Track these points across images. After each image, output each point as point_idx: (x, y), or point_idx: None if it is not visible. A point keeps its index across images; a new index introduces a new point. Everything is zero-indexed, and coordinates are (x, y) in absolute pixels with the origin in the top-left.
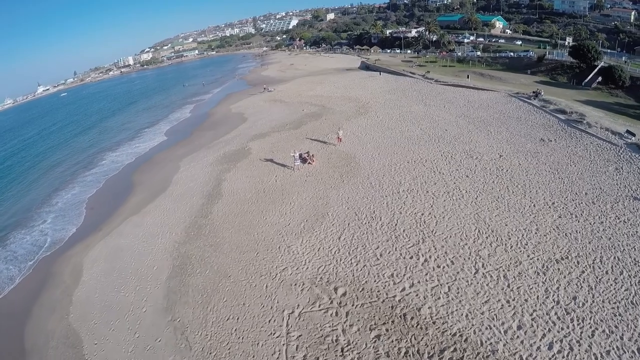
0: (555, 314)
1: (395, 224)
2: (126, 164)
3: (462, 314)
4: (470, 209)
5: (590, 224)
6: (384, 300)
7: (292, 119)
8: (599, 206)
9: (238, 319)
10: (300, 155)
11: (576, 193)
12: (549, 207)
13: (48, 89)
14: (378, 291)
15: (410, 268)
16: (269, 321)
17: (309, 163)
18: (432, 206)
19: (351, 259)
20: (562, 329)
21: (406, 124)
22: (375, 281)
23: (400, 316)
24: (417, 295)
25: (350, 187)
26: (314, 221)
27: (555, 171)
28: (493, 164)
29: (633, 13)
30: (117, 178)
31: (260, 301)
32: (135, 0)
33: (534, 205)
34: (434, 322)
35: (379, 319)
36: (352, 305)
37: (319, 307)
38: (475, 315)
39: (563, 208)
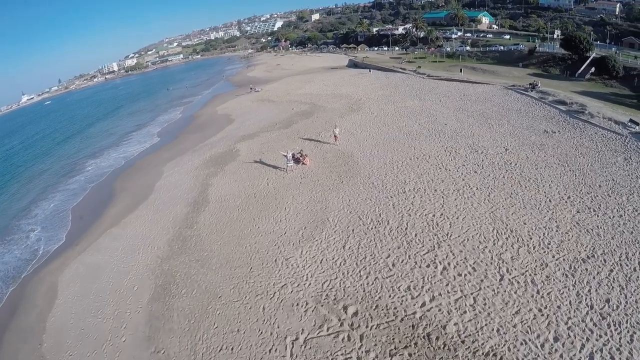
0: (591, 320)
1: (406, 228)
2: (110, 171)
3: (492, 329)
4: (484, 207)
5: (610, 218)
6: (402, 319)
7: (281, 118)
8: (615, 198)
9: (232, 349)
10: (293, 156)
11: (590, 186)
12: (565, 201)
13: (32, 98)
14: (395, 308)
15: (428, 278)
16: (270, 351)
17: (303, 163)
18: (442, 206)
19: (360, 271)
20: (601, 336)
21: (403, 119)
22: (390, 296)
23: (423, 337)
24: (440, 310)
25: (351, 189)
26: (313, 228)
27: (565, 163)
28: (500, 158)
29: (618, 5)
30: (100, 185)
31: (258, 326)
32: (119, 6)
33: (550, 201)
34: (462, 341)
35: (400, 341)
36: (366, 326)
37: (328, 331)
38: (508, 329)
39: (580, 202)
